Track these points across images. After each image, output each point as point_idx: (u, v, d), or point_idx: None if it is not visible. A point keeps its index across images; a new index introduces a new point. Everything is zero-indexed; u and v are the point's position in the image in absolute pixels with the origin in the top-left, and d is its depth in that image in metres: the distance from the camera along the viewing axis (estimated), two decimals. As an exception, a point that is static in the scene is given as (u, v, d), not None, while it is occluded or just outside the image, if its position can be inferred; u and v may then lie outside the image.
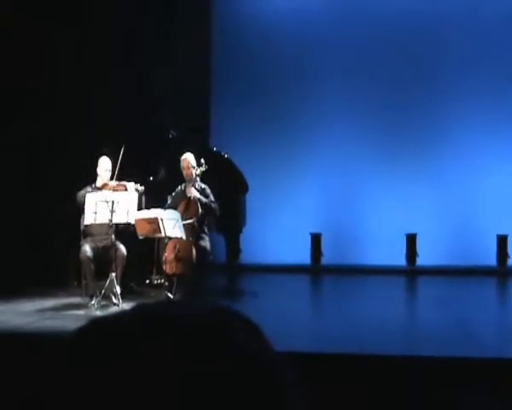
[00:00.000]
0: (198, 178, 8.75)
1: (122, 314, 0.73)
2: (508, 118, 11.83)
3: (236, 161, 10.06)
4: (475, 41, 11.93)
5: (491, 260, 11.51)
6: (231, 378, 0.67)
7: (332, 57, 12.19)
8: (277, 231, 12.02)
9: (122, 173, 8.56)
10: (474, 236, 11.76)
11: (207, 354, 0.68)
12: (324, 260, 11.85)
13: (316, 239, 11.89)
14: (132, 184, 8.47)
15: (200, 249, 8.47)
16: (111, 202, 8.03)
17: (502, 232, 11.51)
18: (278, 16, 12.32)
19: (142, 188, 8.58)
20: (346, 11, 12.22)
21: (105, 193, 8.25)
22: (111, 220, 8.07)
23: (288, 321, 7.43)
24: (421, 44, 12.01)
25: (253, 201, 10.27)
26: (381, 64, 12.05)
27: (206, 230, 8.74)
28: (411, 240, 11.72)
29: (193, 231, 8.47)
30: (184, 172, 8.71)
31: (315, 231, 11.89)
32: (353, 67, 12.11)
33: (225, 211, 8.95)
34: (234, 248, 9.84)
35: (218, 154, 10.06)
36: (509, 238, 11.51)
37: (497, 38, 11.89)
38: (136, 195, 8.38)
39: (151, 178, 9.55)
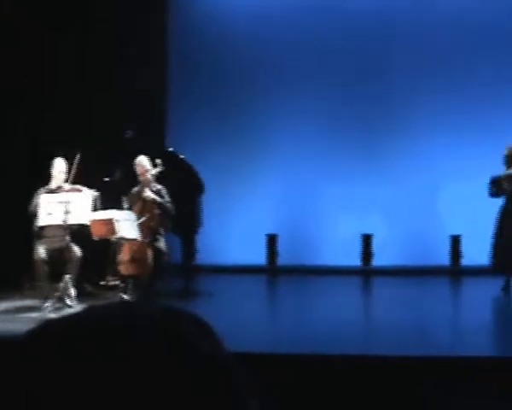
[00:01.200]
0: (153, 179, 8.72)
1: (74, 316, 0.73)
2: (464, 118, 11.96)
3: (192, 161, 10.02)
4: (435, 40, 11.97)
5: (444, 259, 11.66)
6: (185, 379, 0.67)
7: (289, 57, 12.21)
8: (233, 232, 12.03)
9: (77, 175, 8.46)
10: (428, 236, 11.90)
11: (159, 355, 0.67)
12: (280, 261, 11.87)
13: (271, 240, 11.92)
14: (86, 189, 8.38)
15: (156, 250, 8.43)
16: (65, 203, 7.93)
17: (455, 232, 11.66)
18: (235, 15, 12.32)
19: (97, 194, 8.47)
20: (304, 10, 12.24)
21: (59, 194, 8.15)
22: (65, 222, 7.97)
23: (243, 322, 7.43)
24: (379, 42, 12.03)
25: (209, 201, 10.25)
26: (336, 63, 12.10)
27: (161, 231, 8.70)
28: (367, 240, 11.81)
29: (149, 232, 8.42)
30: (139, 177, 8.67)
31: (270, 231, 11.92)
32: (308, 67, 12.14)
33: (181, 212, 8.92)
34: (190, 248, 9.81)
35: (174, 154, 10.02)
36: (461, 238, 11.66)
37: (457, 37, 11.95)
38: (91, 196, 8.29)
39: (107, 179, 9.47)
